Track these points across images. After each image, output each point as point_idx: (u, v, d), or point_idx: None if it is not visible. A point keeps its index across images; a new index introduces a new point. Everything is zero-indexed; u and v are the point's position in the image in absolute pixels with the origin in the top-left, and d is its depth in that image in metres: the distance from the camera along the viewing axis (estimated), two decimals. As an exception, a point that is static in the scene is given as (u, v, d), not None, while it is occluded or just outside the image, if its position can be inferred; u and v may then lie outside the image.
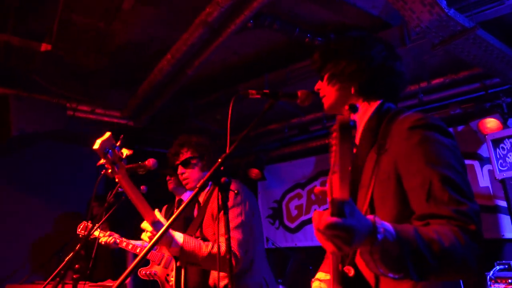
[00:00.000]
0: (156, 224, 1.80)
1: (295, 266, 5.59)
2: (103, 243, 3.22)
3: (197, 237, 2.10)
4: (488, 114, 4.09)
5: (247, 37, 3.99)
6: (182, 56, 3.74)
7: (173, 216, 1.34)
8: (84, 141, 5.50)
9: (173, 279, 3.00)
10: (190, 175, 2.30)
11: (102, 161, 1.63)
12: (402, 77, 1.38)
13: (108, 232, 3.29)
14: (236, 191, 2.26)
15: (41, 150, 5.11)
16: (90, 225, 3.30)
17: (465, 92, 4.34)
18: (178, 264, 1.96)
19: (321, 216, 0.83)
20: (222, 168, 1.46)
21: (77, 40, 3.50)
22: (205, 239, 2.13)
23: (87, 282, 3.55)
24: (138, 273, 3.30)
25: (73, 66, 4.06)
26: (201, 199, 2.36)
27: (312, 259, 5.09)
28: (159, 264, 3.28)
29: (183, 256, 1.88)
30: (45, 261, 4.41)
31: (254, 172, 5.90)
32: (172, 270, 3.11)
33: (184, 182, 2.33)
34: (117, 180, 1.71)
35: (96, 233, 3.23)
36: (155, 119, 5.15)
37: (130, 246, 3.25)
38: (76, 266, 2.23)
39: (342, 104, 1.39)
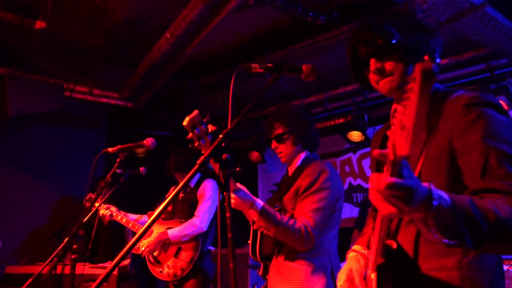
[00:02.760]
0: (238, 191, 1.97)
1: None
2: (101, 215, 3.29)
3: (275, 207, 2.18)
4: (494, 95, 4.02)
5: (248, 15, 3.88)
6: (182, 34, 3.64)
7: (167, 200, 1.28)
8: (81, 123, 5.46)
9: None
10: (284, 150, 2.36)
11: (189, 135, 1.75)
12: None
13: (106, 205, 3.31)
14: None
15: (38, 132, 5.04)
16: (93, 196, 3.29)
17: (470, 73, 4.26)
18: (254, 227, 2.07)
19: (380, 177, 0.84)
20: (223, 144, 1.40)
21: (73, 17, 3.39)
22: (284, 211, 2.20)
23: (86, 263, 3.55)
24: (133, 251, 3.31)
25: (70, 45, 3.96)
26: (290, 170, 2.39)
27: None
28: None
29: (259, 221, 2.00)
30: (44, 243, 4.41)
31: (254, 155, 5.84)
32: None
33: (279, 156, 2.41)
34: (203, 152, 1.81)
35: (97, 204, 3.25)
36: (154, 100, 5.06)
37: (124, 220, 3.30)
38: (74, 246, 2.21)
39: (403, 81, 1.29)
